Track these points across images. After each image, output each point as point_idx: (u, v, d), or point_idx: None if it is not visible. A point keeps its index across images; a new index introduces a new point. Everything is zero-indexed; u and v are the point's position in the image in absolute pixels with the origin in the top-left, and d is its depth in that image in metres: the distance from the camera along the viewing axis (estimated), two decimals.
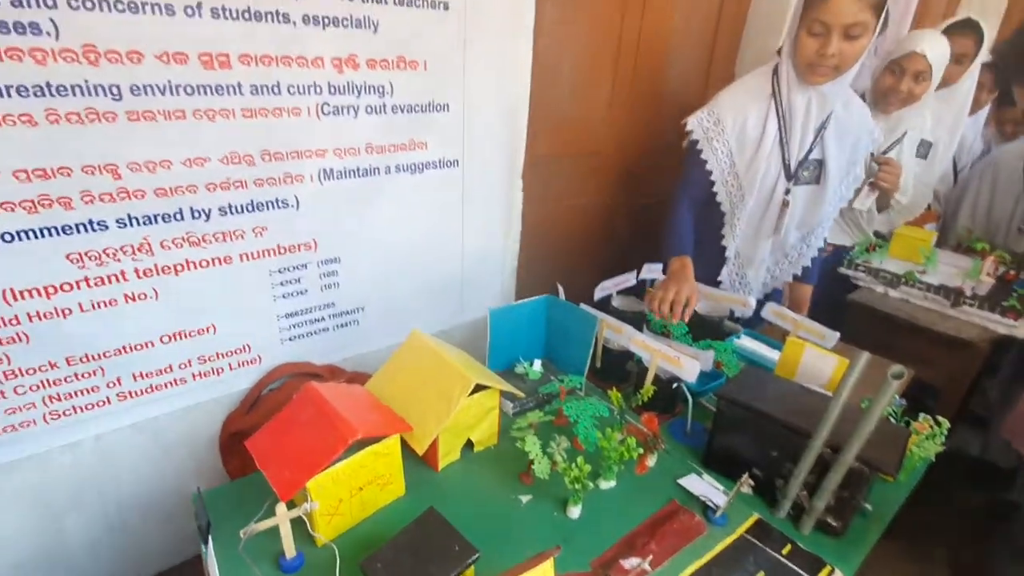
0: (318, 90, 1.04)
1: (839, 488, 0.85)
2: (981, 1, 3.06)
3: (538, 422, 1.02)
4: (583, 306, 1.28)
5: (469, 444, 1.00)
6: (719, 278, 1.50)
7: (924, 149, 1.99)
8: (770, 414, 0.92)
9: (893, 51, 1.68)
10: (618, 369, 1.23)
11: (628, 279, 1.48)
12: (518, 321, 1.21)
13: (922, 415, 1.14)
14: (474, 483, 0.95)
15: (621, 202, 2.00)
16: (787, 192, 1.34)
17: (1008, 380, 2.23)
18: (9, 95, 0.78)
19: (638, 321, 1.44)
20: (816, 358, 1.09)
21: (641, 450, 0.92)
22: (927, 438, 1.07)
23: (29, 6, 0.76)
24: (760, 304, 1.57)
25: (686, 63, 1.96)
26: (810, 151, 1.32)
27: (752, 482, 0.89)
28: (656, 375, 1.11)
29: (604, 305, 1.39)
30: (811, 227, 1.42)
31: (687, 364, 1.05)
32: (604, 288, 1.41)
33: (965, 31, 1.84)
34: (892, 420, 1.10)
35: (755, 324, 1.49)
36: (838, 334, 1.27)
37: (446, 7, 1.13)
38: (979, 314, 1.68)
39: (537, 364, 1.22)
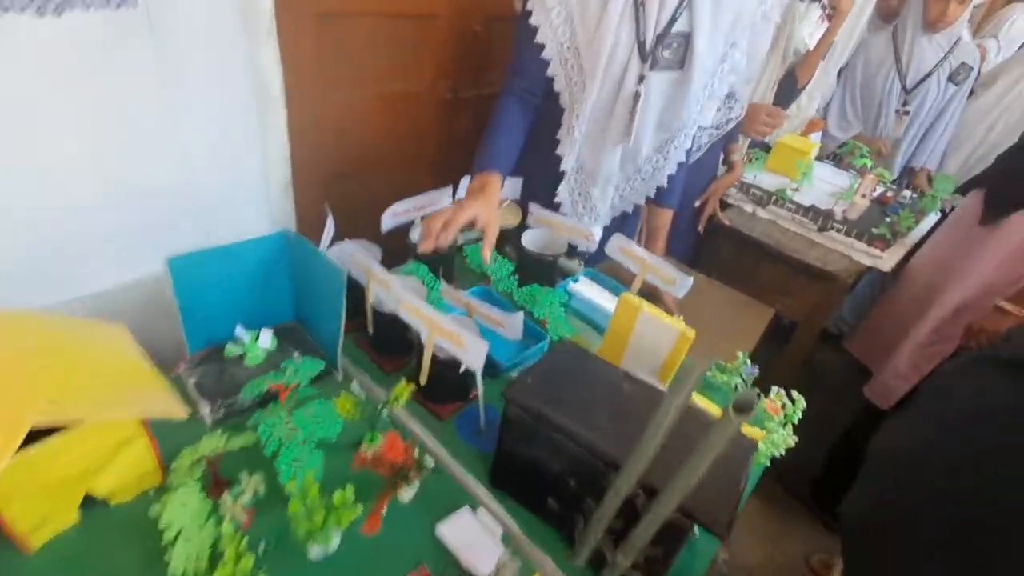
0: None
1: (651, 543, 0.58)
2: None
3: (221, 452, 0.65)
4: (348, 247, 0.88)
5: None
6: (556, 199, 1.14)
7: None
8: (568, 429, 0.62)
9: None
10: (397, 340, 0.87)
11: (438, 199, 1.08)
12: (233, 271, 0.79)
13: (774, 390, 0.91)
14: (101, 569, 0.57)
15: (465, 90, 1.53)
16: (640, 80, 0.97)
17: (863, 300, 2.21)
18: None
19: (448, 264, 1.07)
20: (653, 326, 0.79)
21: (360, 508, 0.58)
22: (779, 424, 0.84)
23: None
24: (609, 232, 1.26)
25: None
26: (674, 19, 0.93)
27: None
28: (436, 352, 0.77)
29: (400, 240, 1.00)
30: (672, 132, 1.06)
31: (471, 344, 0.71)
32: (396, 214, 1.00)
33: None
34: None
35: (602, 259, 1.18)
36: (691, 280, 0.99)
37: None
38: (845, 241, 1.51)
39: (266, 337, 0.82)
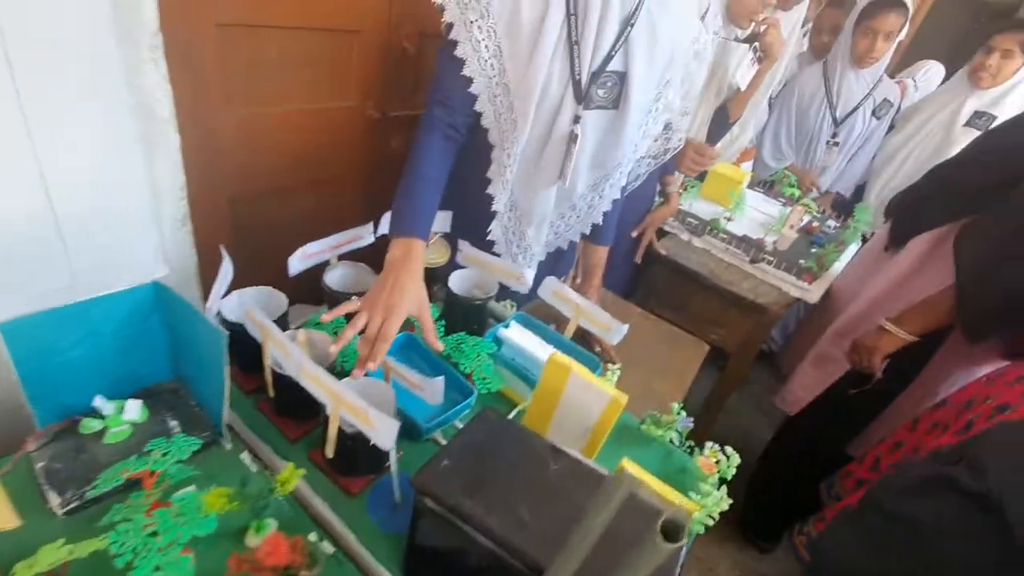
0: None
1: None
2: None
3: (67, 562, 0.53)
4: (246, 297, 0.77)
5: None
6: (490, 235, 1.07)
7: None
8: (485, 526, 0.54)
9: None
10: (303, 403, 0.76)
11: (357, 237, 0.98)
12: (93, 329, 0.66)
13: (709, 445, 0.88)
14: None
15: (395, 108, 1.44)
16: (576, 120, 0.91)
17: (788, 319, 2.28)
18: None
19: None
20: (583, 389, 0.73)
21: None
22: (713, 485, 0.80)
23: None
24: (546, 267, 1.20)
25: None
26: (609, 57, 0.88)
27: None
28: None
29: (311, 282, 0.89)
30: (607, 170, 1.02)
31: (379, 423, 0.62)
32: (308, 256, 0.90)
33: None
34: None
35: (536, 299, 1.12)
36: (625, 327, 0.94)
37: None
38: (776, 274, 1.53)
39: (133, 408, 0.69)
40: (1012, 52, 1.79)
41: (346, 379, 0.74)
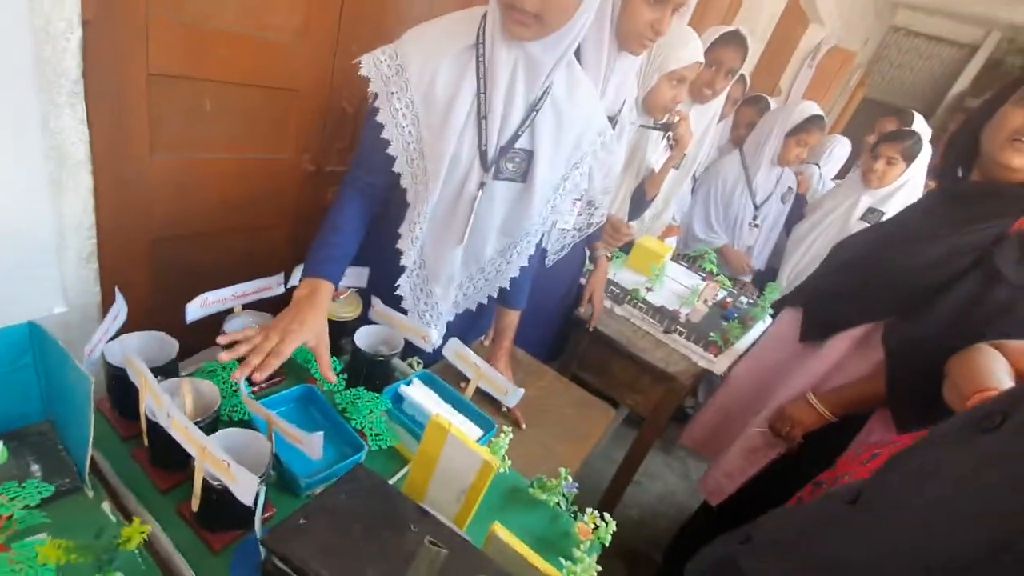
0: None
1: None
2: (751, 20, 3.20)
3: None
4: (131, 342, 0.77)
5: None
6: (398, 290, 1.11)
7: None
8: None
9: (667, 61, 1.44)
10: (176, 454, 0.75)
11: (265, 287, 1.00)
12: None
13: (589, 511, 0.91)
14: None
15: (331, 164, 1.49)
16: (481, 186, 0.99)
17: (703, 390, 2.36)
18: None
19: None
20: (460, 450, 0.76)
21: None
22: (586, 552, 0.83)
23: None
24: (465, 323, 1.25)
25: None
26: (517, 135, 0.97)
27: None
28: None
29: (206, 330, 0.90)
30: (515, 238, 1.10)
31: (240, 477, 0.63)
32: (208, 303, 0.91)
33: (736, 44, 1.73)
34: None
35: (443, 358, 1.15)
36: (521, 391, 0.99)
37: None
38: (686, 344, 1.62)
39: None
40: (895, 159, 2.09)
41: (225, 430, 0.75)
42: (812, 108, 2.13)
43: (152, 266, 1.22)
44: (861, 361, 1.26)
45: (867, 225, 2.04)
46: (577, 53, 1.07)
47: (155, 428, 0.74)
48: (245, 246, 1.43)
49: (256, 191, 1.37)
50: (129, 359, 0.72)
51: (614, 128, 1.29)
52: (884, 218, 2.03)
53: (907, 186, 2.12)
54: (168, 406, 0.66)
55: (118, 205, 1.05)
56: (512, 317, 1.22)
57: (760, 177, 2.26)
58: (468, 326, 1.29)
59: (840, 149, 3.18)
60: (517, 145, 0.98)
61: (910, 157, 2.09)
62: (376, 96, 0.95)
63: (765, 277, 2.44)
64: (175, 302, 0.88)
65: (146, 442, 0.77)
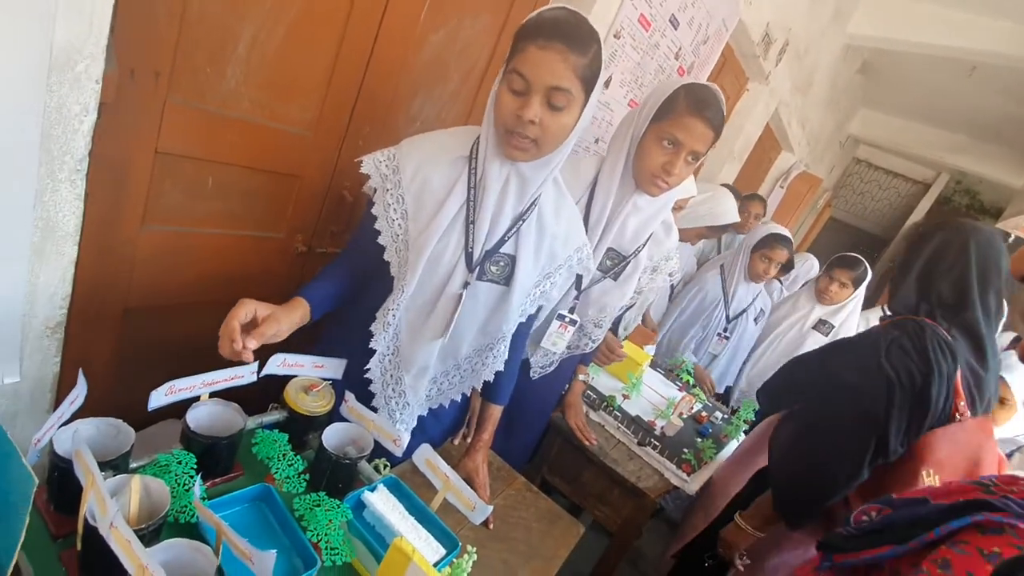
0: None
1: None
2: (731, 139, 3.45)
3: None
4: (84, 430, 0.73)
5: None
6: (367, 374, 1.10)
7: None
8: None
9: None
10: (111, 563, 0.69)
11: (241, 376, 0.97)
12: None
13: None
14: None
15: (321, 245, 1.50)
16: (465, 285, 1.03)
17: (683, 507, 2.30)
18: None
19: (229, 453, 0.93)
20: None
21: None
22: None
23: None
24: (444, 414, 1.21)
25: (455, 83, 1.57)
26: (503, 241, 1.03)
27: None
28: None
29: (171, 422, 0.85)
30: (491, 339, 1.12)
31: None
32: (174, 391, 0.87)
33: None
34: None
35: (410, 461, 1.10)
36: (490, 508, 0.94)
37: None
38: (659, 459, 1.59)
39: None
40: (847, 284, 2.41)
41: (170, 541, 0.69)
42: (775, 228, 2.36)
43: (121, 336, 1.18)
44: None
45: (818, 335, 2.43)
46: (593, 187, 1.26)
47: (92, 532, 0.68)
48: (218, 322, 1.40)
49: (243, 267, 1.36)
50: (79, 453, 0.67)
51: (628, 266, 1.38)
52: (832, 331, 2.42)
53: (852, 303, 2.46)
54: (112, 515, 0.61)
55: (98, 274, 1.03)
56: (494, 411, 1.22)
57: (738, 292, 2.40)
58: (453, 414, 1.28)
59: (812, 264, 3.35)
60: (502, 250, 1.04)
61: (858, 282, 2.43)
62: (375, 191, 1.04)
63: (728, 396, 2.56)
64: (140, 372, 0.85)
65: (79, 546, 0.70)
